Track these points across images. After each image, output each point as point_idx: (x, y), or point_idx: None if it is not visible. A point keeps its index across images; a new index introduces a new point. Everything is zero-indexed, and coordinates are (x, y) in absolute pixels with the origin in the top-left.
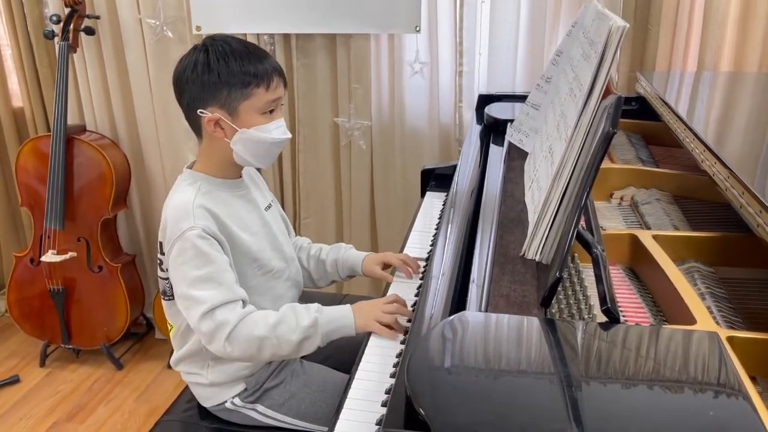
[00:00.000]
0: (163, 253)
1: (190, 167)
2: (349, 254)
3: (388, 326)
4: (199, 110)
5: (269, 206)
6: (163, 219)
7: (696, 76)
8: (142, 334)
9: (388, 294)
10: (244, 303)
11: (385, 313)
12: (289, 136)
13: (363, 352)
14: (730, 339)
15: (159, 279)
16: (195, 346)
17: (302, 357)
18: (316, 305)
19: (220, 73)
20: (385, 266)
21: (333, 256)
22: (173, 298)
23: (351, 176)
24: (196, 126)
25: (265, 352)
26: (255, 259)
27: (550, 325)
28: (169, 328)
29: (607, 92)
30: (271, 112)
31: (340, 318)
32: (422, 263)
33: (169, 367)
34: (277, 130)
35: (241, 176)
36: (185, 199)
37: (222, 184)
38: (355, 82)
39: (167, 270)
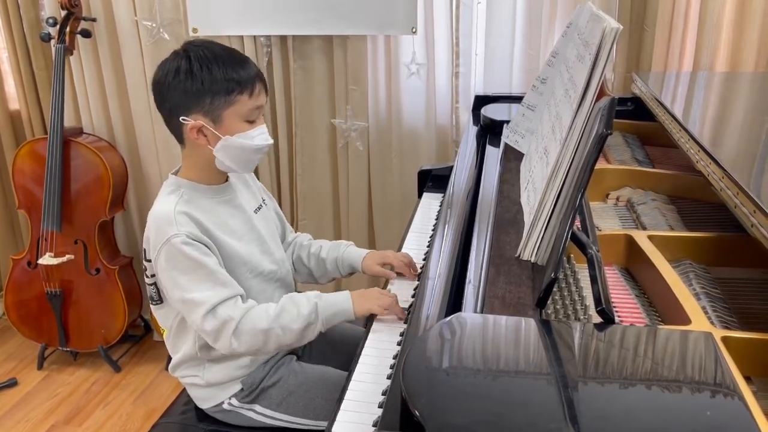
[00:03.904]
0: (148, 260)
1: (176, 173)
2: (349, 252)
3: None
4: (181, 117)
5: (259, 207)
6: (147, 227)
7: (692, 77)
8: (140, 337)
9: (388, 288)
10: (242, 297)
11: (382, 304)
12: (271, 142)
13: (360, 353)
14: (724, 339)
15: (146, 285)
16: (190, 349)
17: (299, 359)
18: (315, 292)
19: (204, 80)
20: (385, 265)
21: (333, 254)
22: (161, 302)
23: (348, 177)
24: (177, 132)
25: (270, 344)
26: (245, 263)
27: (545, 326)
28: (162, 331)
29: (601, 93)
30: (253, 119)
31: (339, 303)
32: (419, 264)
33: (167, 370)
34: (260, 136)
35: (226, 180)
36: (167, 207)
37: (206, 191)
38: (352, 84)
39: (155, 276)
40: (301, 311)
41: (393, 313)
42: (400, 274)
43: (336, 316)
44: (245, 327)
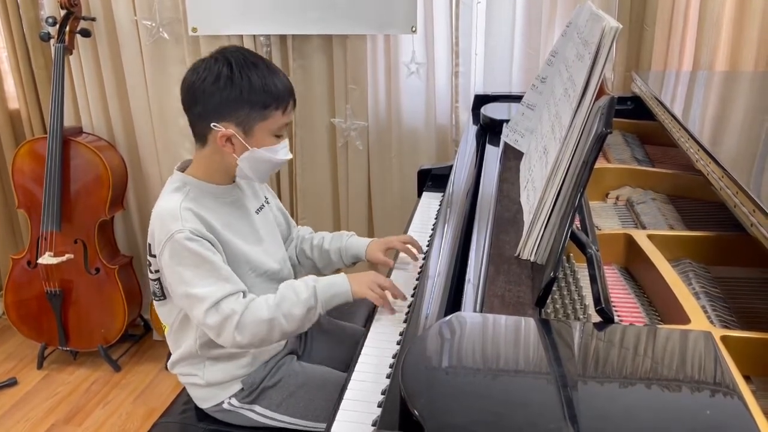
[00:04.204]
0: (152, 255)
1: (181, 169)
2: (353, 242)
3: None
4: (212, 123)
5: (261, 207)
6: (152, 223)
7: (691, 76)
8: (140, 336)
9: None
10: (245, 294)
11: (379, 287)
12: (291, 156)
13: (359, 353)
14: (724, 338)
15: (149, 280)
16: (190, 347)
17: (299, 358)
18: (311, 277)
19: (243, 90)
20: (388, 250)
21: (337, 244)
22: (164, 298)
23: (348, 177)
24: (201, 135)
25: (275, 333)
26: (248, 262)
27: (545, 325)
28: (164, 327)
29: (600, 92)
30: (281, 134)
31: (336, 285)
32: (420, 262)
33: (167, 368)
34: (283, 150)
35: (233, 182)
36: (172, 203)
37: (212, 190)
38: (351, 83)
39: (159, 272)
40: (300, 296)
41: (392, 294)
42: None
43: (334, 298)
44: (248, 319)
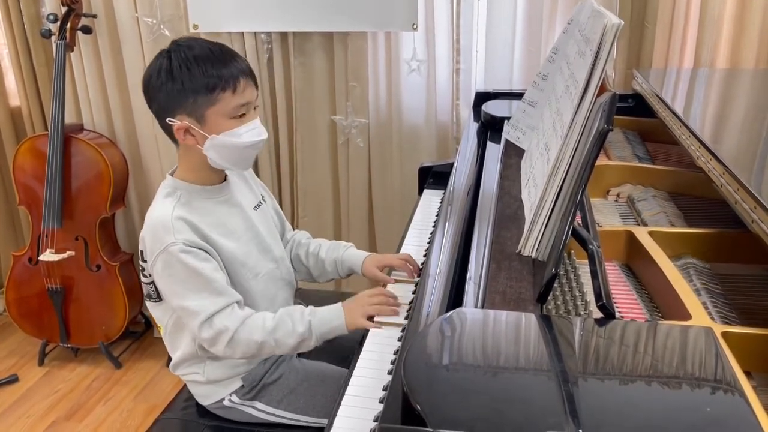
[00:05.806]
0: (144, 261)
1: (173, 173)
2: (349, 254)
3: (375, 317)
4: (167, 119)
5: (259, 204)
6: (143, 230)
7: (692, 74)
8: (141, 333)
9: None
10: (239, 304)
11: (372, 306)
12: (265, 137)
13: (361, 350)
14: (725, 334)
15: (143, 284)
16: (190, 348)
17: (300, 355)
18: (309, 308)
19: (183, 81)
20: (384, 268)
21: (333, 255)
22: (159, 300)
23: (349, 174)
24: (168, 133)
25: (264, 352)
26: (243, 264)
27: (546, 321)
28: (158, 328)
29: (602, 89)
30: (242, 115)
31: (332, 319)
32: (420, 261)
33: (168, 367)
34: (249, 132)
35: (224, 179)
36: (164, 212)
37: (203, 192)
38: (352, 80)
39: (151, 277)
40: (296, 328)
41: (388, 303)
42: (399, 281)
43: (329, 332)
44: (241, 336)
